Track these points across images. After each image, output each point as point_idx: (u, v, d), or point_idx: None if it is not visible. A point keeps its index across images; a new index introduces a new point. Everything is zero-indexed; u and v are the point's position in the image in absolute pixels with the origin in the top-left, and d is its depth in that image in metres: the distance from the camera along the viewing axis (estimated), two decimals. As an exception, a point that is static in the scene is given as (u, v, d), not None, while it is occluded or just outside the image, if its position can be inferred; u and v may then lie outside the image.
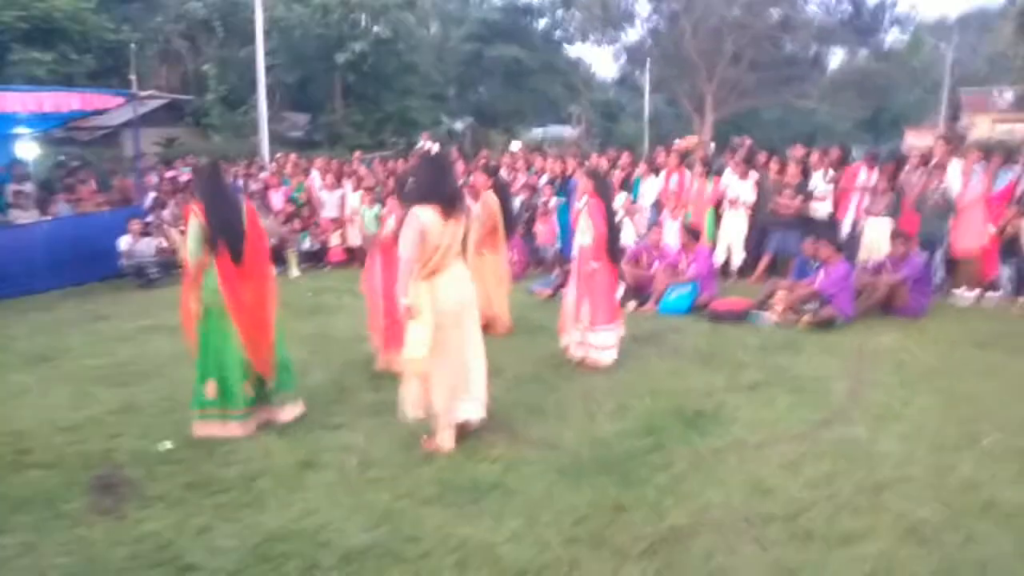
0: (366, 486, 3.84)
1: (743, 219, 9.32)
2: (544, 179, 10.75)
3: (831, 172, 9.00)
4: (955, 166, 8.19)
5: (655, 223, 9.10)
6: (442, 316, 4.13)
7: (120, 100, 10.67)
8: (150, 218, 10.66)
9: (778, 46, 30.05)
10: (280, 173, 12.54)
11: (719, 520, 3.43)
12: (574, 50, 38.38)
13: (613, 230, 5.87)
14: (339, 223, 11.40)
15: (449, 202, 4.10)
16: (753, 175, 9.37)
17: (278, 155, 14.93)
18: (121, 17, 22.88)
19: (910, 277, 7.18)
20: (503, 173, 10.26)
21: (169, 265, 9.93)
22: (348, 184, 11.44)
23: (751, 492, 3.68)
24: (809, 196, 8.87)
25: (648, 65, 32.45)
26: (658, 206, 9.75)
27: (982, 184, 7.92)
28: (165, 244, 10.24)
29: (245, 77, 23.51)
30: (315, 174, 11.92)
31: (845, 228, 8.72)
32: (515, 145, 20.03)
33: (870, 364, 5.76)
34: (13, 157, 11.16)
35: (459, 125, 33.83)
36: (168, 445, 4.39)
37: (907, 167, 8.55)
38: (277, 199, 11.67)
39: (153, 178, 12.25)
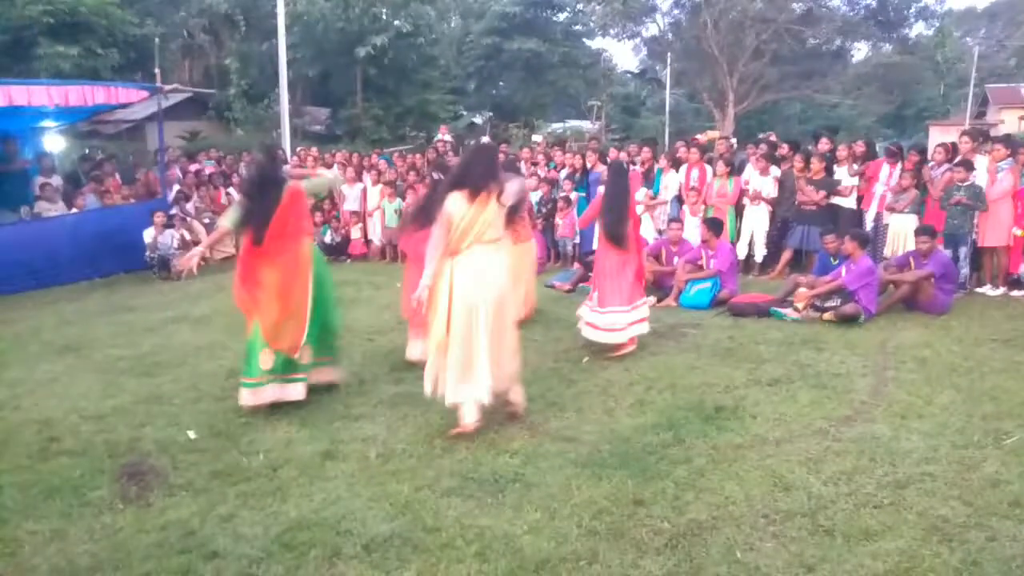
0: (387, 477, 3.87)
1: (764, 214, 9.27)
2: (564, 173, 10.74)
3: (856, 166, 8.92)
4: (981, 162, 8.09)
5: (675, 218, 9.07)
6: (458, 298, 4.23)
7: (144, 94, 10.79)
8: (174, 211, 10.79)
9: (800, 40, 29.72)
10: (302, 166, 12.62)
11: (739, 515, 3.42)
12: (594, 43, 38.24)
13: (613, 213, 5.93)
14: (360, 216, 11.47)
15: (476, 186, 4.22)
16: (774, 170, 9.31)
17: (299, 148, 15.04)
18: (145, 11, 23.13)
19: (935, 273, 7.11)
20: (522, 167, 10.25)
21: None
22: (368, 178, 11.50)
23: (771, 488, 3.67)
24: (834, 190, 8.80)
25: (669, 59, 32.25)
26: (679, 201, 9.72)
27: (1009, 180, 7.81)
28: (188, 236, 10.37)
29: (267, 71, 23.70)
30: (336, 168, 11.99)
31: (868, 223, 8.65)
32: (536, 139, 20.01)
33: (893, 360, 5.71)
34: (40, 150, 11.32)
35: (478, 119, 33.83)
36: (192, 435, 4.45)
37: (931, 162, 8.46)
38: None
39: (177, 171, 12.38)
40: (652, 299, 7.74)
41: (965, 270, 8.02)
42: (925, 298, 7.12)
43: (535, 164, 11.24)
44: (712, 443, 4.21)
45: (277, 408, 4.78)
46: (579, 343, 6.11)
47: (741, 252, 9.15)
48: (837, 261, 7.33)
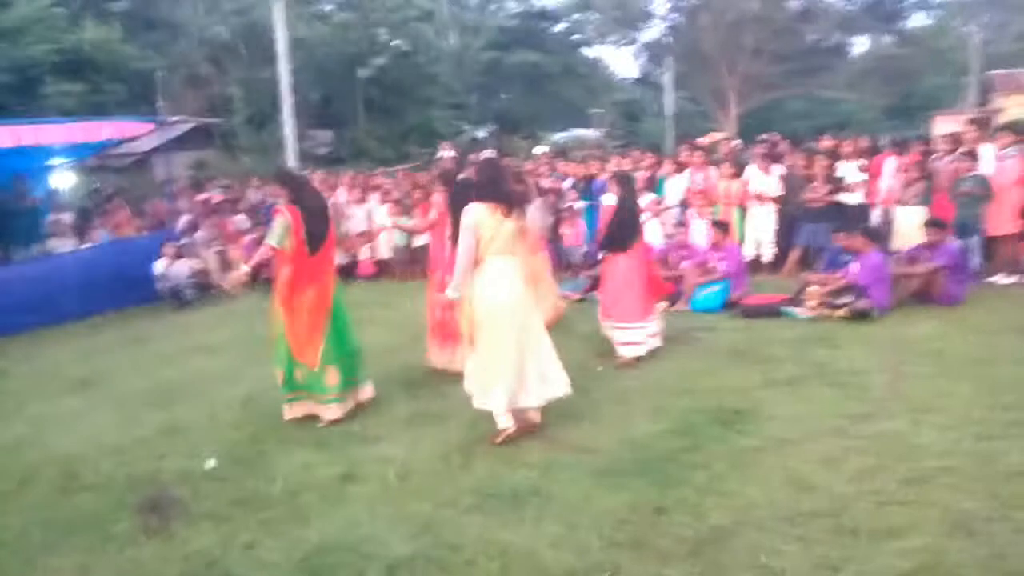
0: (407, 496, 3.88)
1: (770, 213, 9.24)
2: (568, 182, 10.77)
3: (862, 161, 8.89)
4: (987, 150, 8.05)
5: (681, 222, 9.06)
6: (485, 308, 4.39)
7: (150, 126, 10.91)
8: (184, 241, 10.87)
9: (799, 37, 29.66)
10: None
11: (761, 519, 3.40)
12: (593, 51, 38.36)
13: (623, 226, 5.99)
14: (367, 236, 11.52)
15: (497, 198, 4.42)
16: (777, 169, 9.29)
17: (305, 172, 15.12)
18: (147, 45, 23.40)
19: (946, 265, 7.07)
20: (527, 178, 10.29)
21: (204, 287, 10.11)
22: (374, 198, 11.55)
23: (793, 489, 3.65)
24: (840, 187, 8.77)
25: (669, 62, 32.27)
26: (685, 204, 9.71)
27: (1016, 167, 7.77)
28: (199, 266, 10.45)
29: (269, 97, 23.87)
30: (342, 190, 12.06)
31: (875, 217, 8.61)
32: (539, 149, 20.04)
33: (908, 355, 5.67)
34: (50, 187, 11.46)
35: (481, 133, 33.92)
36: (212, 463, 4.47)
37: (936, 152, 8.43)
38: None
39: (185, 201, 12.48)
40: (663, 304, 7.75)
41: (977, 260, 7.97)
42: (937, 290, 7.07)
43: (539, 175, 11.26)
44: (731, 447, 4.19)
45: (294, 432, 4.83)
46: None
47: (748, 253, 9.12)
48: (848, 257, 7.30)
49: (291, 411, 5.11)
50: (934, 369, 5.30)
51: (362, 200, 11.65)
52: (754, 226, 9.32)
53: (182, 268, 10.18)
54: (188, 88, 25.91)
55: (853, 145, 9.12)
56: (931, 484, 3.61)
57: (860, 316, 6.70)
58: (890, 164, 8.64)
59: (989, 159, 7.96)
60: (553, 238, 10.32)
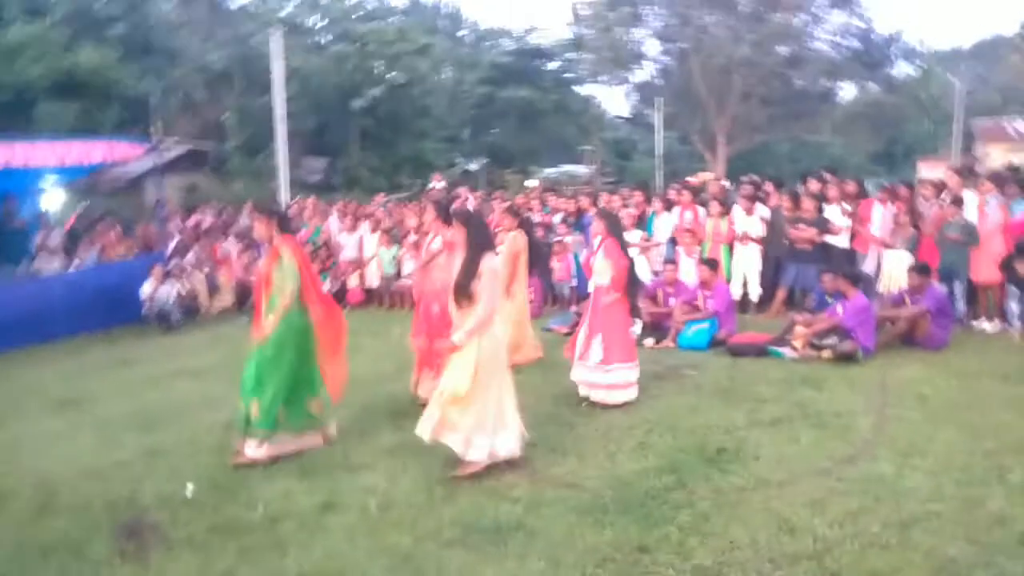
0: (388, 528, 3.84)
1: (756, 254, 9.32)
2: (558, 217, 10.85)
3: (847, 206, 9.01)
4: (970, 197, 8.18)
5: (670, 260, 9.12)
6: (486, 351, 4.39)
7: (142, 149, 10.94)
8: (172, 263, 10.84)
9: (788, 82, 30.22)
10: (299, 217, 12.72)
11: (745, 560, 3.39)
12: (585, 89, 38.89)
13: (630, 267, 5.92)
14: (357, 264, 11.52)
15: (494, 247, 4.68)
16: (761, 210, 9.39)
17: (296, 199, 15.15)
18: (143, 69, 23.51)
19: (931, 309, 7.14)
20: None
21: (191, 310, 10.05)
22: (365, 226, 11.59)
23: (776, 531, 3.64)
24: (825, 229, 8.87)
25: (659, 104, 32.77)
26: (673, 242, 9.79)
27: (999, 215, 7.90)
28: (187, 289, 10.40)
29: (263, 124, 23.97)
30: (333, 217, 12.10)
31: (870, 264, 8.68)
32: (530, 183, 20.19)
33: (893, 398, 5.70)
34: (39, 208, 11.43)
35: (473, 166, 34.17)
36: (191, 488, 4.41)
37: (920, 198, 8.56)
38: (296, 242, 11.82)
39: (175, 224, 12.47)
40: (650, 341, 7.77)
41: (961, 305, 8.06)
42: (922, 334, 7.14)
43: (530, 209, 11.35)
44: (715, 486, 4.19)
45: (276, 458, 4.79)
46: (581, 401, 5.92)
47: (735, 292, 9.18)
48: (832, 300, 7.36)
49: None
50: (918, 413, 5.33)
51: (353, 228, 11.69)
52: (739, 266, 9.39)
53: (169, 291, 10.13)
54: (182, 113, 26.02)
55: (838, 188, 9.23)
56: (914, 528, 3.61)
57: (846, 358, 6.74)
58: (878, 211, 8.75)
59: (971, 207, 8.09)
60: (542, 272, 10.36)
